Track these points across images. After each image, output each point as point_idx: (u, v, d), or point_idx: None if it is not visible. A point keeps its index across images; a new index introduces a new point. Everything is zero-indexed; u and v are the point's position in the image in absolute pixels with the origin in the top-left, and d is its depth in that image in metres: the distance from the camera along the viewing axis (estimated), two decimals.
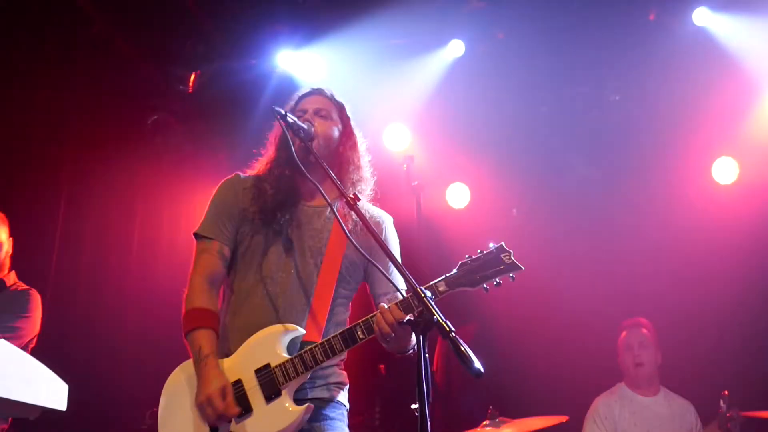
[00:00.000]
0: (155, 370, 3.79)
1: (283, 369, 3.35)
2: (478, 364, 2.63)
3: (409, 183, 5.45)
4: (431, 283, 3.32)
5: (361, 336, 3.33)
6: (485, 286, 3.33)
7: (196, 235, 3.65)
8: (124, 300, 7.10)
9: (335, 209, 3.39)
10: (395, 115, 7.32)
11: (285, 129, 3.42)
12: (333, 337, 3.36)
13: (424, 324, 2.79)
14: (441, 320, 2.75)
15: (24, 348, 4.79)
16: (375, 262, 3.27)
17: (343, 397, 3.60)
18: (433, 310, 2.79)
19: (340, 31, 6.62)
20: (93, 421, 6.22)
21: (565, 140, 7.52)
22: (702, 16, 6.66)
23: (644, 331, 6.11)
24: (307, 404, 3.37)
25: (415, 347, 2.86)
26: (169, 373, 3.54)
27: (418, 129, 7.41)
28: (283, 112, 3.43)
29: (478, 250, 3.37)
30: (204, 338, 3.42)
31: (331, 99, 3.78)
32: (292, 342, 3.43)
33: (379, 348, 3.44)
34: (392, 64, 6.97)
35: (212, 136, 7.49)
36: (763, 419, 5.55)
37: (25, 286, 5.13)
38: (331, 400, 3.53)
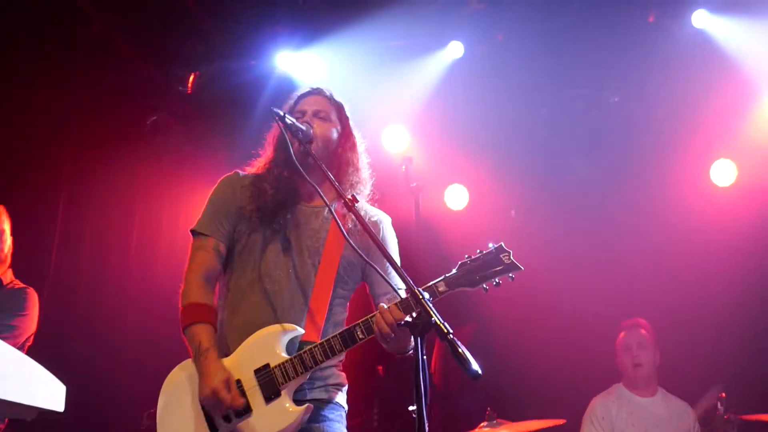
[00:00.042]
0: (154, 370, 3.79)
1: (283, 369, 3.36)
2: (475, 366, 2.63)
3: (408, 184, 5.46)
4: (430, 283, 3.33)
5: (360, 336, 3.33)
6: (485, 286, 3.34)
7: (192, 231, 3.66)
8: (123, 300, 7.10)
9: (333, 210, 3.39)
10: (394, 116, 7.32)
11: (284, 131, 3.42)
12: (332, 337, 3.36)
13: (422, 326, 2.79)
14: (439, 322, 2.75)
15: (21, 347, 4.79)
16: (373, 263, 3.28)
17: (341, 398, 3.61)
18: (431, 312, 2.80)
19: (339, 32, 6.62)
20: (92, 422, 6.21)
21: (564, 142, 7.53)
22: (701, 19, 6.67)
23: (643, 331, 6.11)
24: (306, 404, 3.37)
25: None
26: (168, 372, 3.54)
27: (416, 130, 7.42)
28: (281, 114, 3.43)
29: (478, 251, 3.37)
30: (203, 333, 3.43)
31: (330, 99, 3.78)
32: (291, 342, 3.43)
33: (378, 349, 3.44)
34: (391, 65, 6.98)
35: (211, 136, 7.49)
36: (761, 422, 5.55)
37: (22, 285, 5.12)
38: (329, 401, 3.53)
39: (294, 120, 3.49)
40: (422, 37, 6.98)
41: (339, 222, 3.31)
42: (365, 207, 3.72)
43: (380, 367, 7.07)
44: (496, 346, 7.08)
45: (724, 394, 5.62)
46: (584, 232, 7.38)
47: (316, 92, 3.79)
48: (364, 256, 3.25)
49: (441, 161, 7.45)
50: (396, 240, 3.79)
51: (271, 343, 3.41)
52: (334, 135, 3.70)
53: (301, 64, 6.92)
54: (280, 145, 3.59)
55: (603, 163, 7.56)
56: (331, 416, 3.52)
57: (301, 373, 3.35)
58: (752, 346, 6.76)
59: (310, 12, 6.66)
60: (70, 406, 3.68)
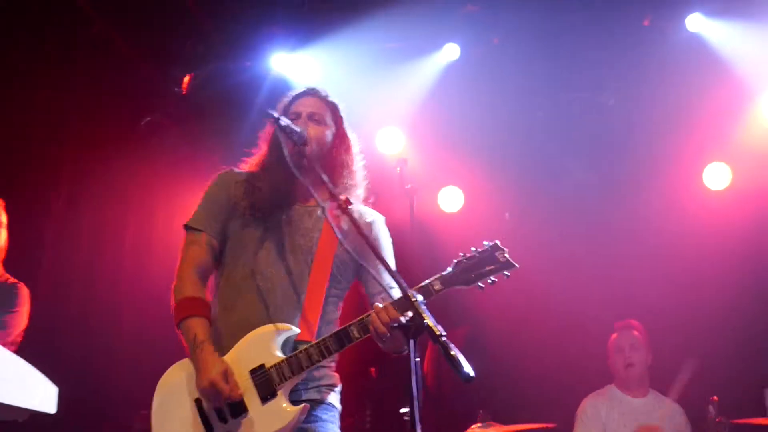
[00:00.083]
0: (149, 369, 3.77)
1: (279, 369, 3.35)
2: (468, 369, 2.63)
3: (403, 186, 5.46)
4: (426, 281, 3.32)
5: (356, 335, 3.33)
6: (480, 284, 3.34)
7: (185, 226, 3.66)
8: (118, 299, 7.10)
9: (326, 210, 3.39)
10: (389, 118, 7.33)
11: (279, 132, 3.42)
12: (328, 336, 3.36)
13: (415, 328, 2.80)
14: (431, 324, 2.75)
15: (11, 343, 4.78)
16: (367, 264, 3.28)
17: (334, 398, 3.60)
18: (424, 314, 2.80)
19: (334, 33, 6.63)
20: (85, 421, 6.21)
21: (559, 144, 7.54)
22: (696, 22, 6.70)
23: (635, 333, 6.13)
24: (303, 404, 3.37)
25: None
26: (163, 371, 3.53)
27: (411, 132, 7.42)
28: (277, 116, 3.43)
29: (473, 249, 3.37)
30: (198, 326, 3.43)
31: (325, 100, 3.77)
32: (285, 341, 3.43)
33: (371, 350, 3.44)
34: (387, 67, 6.98)
35: (207, 137, 7.48)
36: (752, 426, 5.56)
37: (14, 280, 5.10)
38: (323, 402, 3.53)
39: (289, 122, 3.48)
40: (418, 39, 6.99)
41: (332, 222, 3.31)
42: (359, 207, 3.71)
43: (373, 369, 7.07)
44: (488, 348, 7.08)
45: (716, 398, 5.63)
46: (578, 235, 7.39)
47: (312, 93, 3.78)
48: (356, 257, 3.25)
49: (436, 163, 7.45)
50: (390, 240, 3.79)
51: (266, 343, 3.41)
52: (329, 137, 3.70)
53: (296, 66, 6.92)
54: (275, 146, 3.58)
55: (597, 166, 7.57)
56: (324, 417, 3.52)
57: (297, 373, 3.35)
58: (745, 349, 6.77)
59: (305, 13, 6.66)
60: (64, 405, 3.68)
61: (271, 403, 3.34)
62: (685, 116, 7.09)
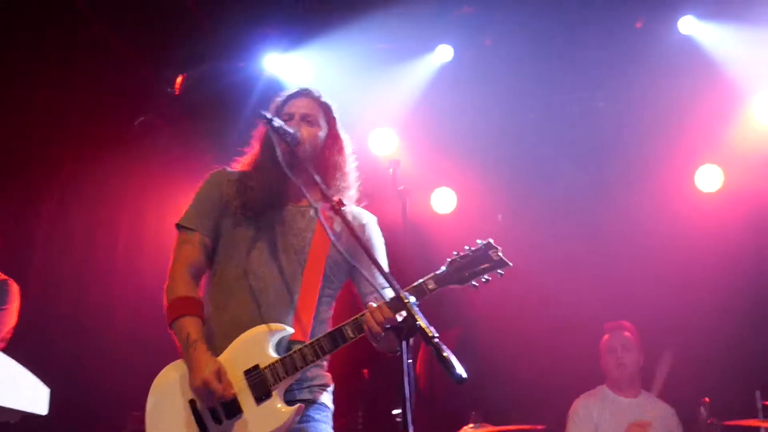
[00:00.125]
0: (141, 369, 3.77)
1: (273, 370, 3.35)
2: (460, 370, 2.63)
3: (395, 187, 5.45)
4: (420, 281, 3.32)
5: (351, 335, 3.32)
6: (474, 283, 3.34)
7: (178, 225, 3.65)
8: (110, 299, 7.10)
9: (319, 211, 3.39)
10: (382, 119, 7.33)
11: (271, 133, 3.42)
12: (322, 336, 3.36)
13: (407, 329, 2.80)
14: (424, 325, 2.75)
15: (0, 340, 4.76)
16: (360, 265, 3.28)
17: (327, 398, 3.60)
18: (416, 316, 2.80)
19: (328, 34, 6.62)
20: (77, 423, 6.20)
21: (552, 146, 7.55)
22: (688, 25, 6.72)
23: (627, 334, 6.15)
24: (298, 404, 3.37)
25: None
26: (156, 372, 3.52)
27: (404, 133, 7.42)
28: (269, 117, 3.42)
29: (466, 247, 3.37)
30: (191, 325, 3.41)
31: (318, 101, 3.76)
32: (279, 342, 3.42)
33: (363, 350, 3.44)
34: (380, 68, 6.98)
35: (199, 137, 7.48)
36: (743, 427, 5.57)
37: (4, 276, 5.09)
38: (315, 402, 3.53)
39: (282, 123, 3.48)
40: (411, 41, 6.99)
41: (324, 223, 3.31)
42: (352, 209, 3.71)
43: (365, 370, 7.07)
44: (481, 350, 7.09)
45: (707, 399, 5.65)
46: (570, 237, 7.40)
47: (305, 94, 3.77)
48: (349, 258, 3.25)
49: (428, 164, 7.45)
50: (382, 240, 3.79)
51: (260, 344, 3.40)
52: (322, 138, 3.70)
53: (289, 67, 6.91)
54: (267, 146, 3.58)
55: (590, 168, 7.59)
56: (317, 417, 3.51)
57: (292, 373, 3.35)
58: (737, 351, 6.79)
59: (298, 14, 6.66)
60: (55, 406, 3.67)
61: (266, 404, 3.34)
62: (677, 118, 7.12)
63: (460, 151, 7.42)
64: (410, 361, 2.78)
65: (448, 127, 7.34)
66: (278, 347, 3.42)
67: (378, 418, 6.64)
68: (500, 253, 3.36)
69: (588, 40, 6.83)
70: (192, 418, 3.38)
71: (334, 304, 3.70)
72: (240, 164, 3.76)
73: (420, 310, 2.85)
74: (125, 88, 6.97)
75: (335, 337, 3.34)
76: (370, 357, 6.55)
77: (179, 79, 7.17)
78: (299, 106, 3.71)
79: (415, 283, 3.32)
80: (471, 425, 5.82)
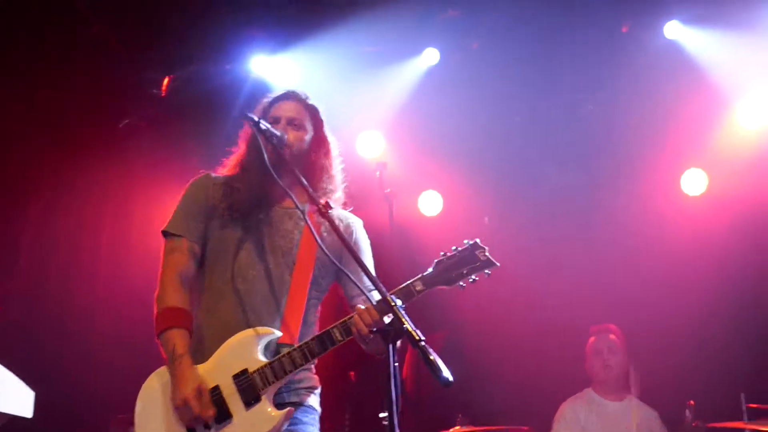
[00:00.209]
0: (126, 372, 3.77)
1: (262, 374, 3.35)
2: (446, 373, 2.64)
3: (382, 190, 5.43)
4: (407, 282, 3.33)
5: (339, 338, 3.32)
6: (461, 283, 3.34)
7: (164, 233, 3.61)
8: (95, 302, 7.06)
9: (306, 214, 3.38)
10: (369, 122, 7.33)
11: (258, 135, 3.41)
12: (311, 339, 3.36)
13: (394, 332, 2.80)
14: (410, 329, 2.75)
15: None
16: (347, 268, 3.28)
17: (315, 401, 3.61)
18: (403, 319, 2.80)
19: (314, 37, 6.62)
20: (62, 426, 6.16)
21: (538, 149, 7.57)
22: (673, 30, 6.77)
23: (612, 336, 6.17)
24: (288, 408, 3.36)
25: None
26: (141, 374, 3.51)
27: (391, 136, 7.43)
28: (256, 119, 3.42)
29: (453, 248, 3.38)
30: (178, 338, 3.39)
31: (305, 104, 3.75)
32: (267, 345, 3.42)
33: (350, 353, 3.44)
34: (367, 71, 6.98)
35: (186, 139, 7.45)
36: (728, 429, 5.59)
37: None
38: (303, 405, 3.53)
39: (269, 125, 3.47)
40: (397, 44, 7.00)
41: (311, 226, 3.31)
42: (338, 211, 3.71)
43: (352, 373, 7.06)
44: (467, 352, 7.09)
45: (692, 402, 5.67)
46: (557, 240, 7.42)
47: (291, 97, 3.76)
48: (336, 262, 3.25)
49: (415, 167, 7.45)
50: (369, 243, 3.79)
51: (248, 348, 3.39)
52: (308, 142, 3.69)
53: (276, 69, 6.90)
54: (253, 147, 3.56)
55: (575, 171, 7.61)
56: (305, 419, 3.52)
57: (281, 377, 3.35)
58: (723, 353, 6.81)
59: (285, 16, 6.65)
60: (40, 409, 3.65)
61: (256, 408, 3.34)
62: (663, 122, 7.15)
63: (447, 153, 7.42)
64: (397, 364, 2.78)
65: (434, 130, 7.35)
66: (266, 351, 3.42)
67: (365, 421, 6.63)
68: (487, 253, 3.37)
69: (574, 44, 6.85)
70: (180, 423, 3.37)
71: (320, 307, 3.69)
72: (225, 167, 3.75)
73: (406, 313, 2.86)
74: (113, 89, 6.94)
75: (323, 340, 3.34)
76: (358, 360, 6.54)
77: (165, 81, 7.14)
78: (286, 109, 3.70)
79: (403, 285, 3.32)
80: (457, 428, 5.82)
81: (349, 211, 3.81)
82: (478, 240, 3.40)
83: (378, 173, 5.59)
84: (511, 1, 6.53)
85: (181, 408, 3.30)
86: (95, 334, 6.94)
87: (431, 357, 2.66)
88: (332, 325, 3.35)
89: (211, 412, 3.31)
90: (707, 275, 6.92)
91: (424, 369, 2.71)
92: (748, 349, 6.79)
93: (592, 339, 6.22)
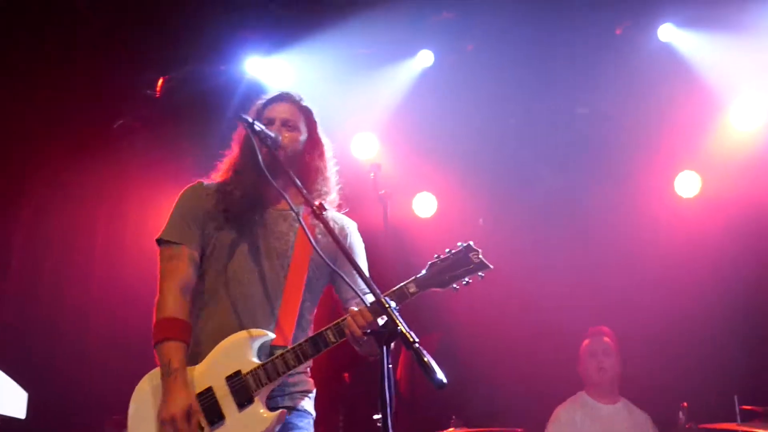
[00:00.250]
0: (119, 373, 3.76)
1: (255, 375, 3.35)
2: (440, 375, 2.64)
3: (376, 191, 5.45)
4: (401, 284, 3.33)
5: (332, 339, 3.33)
6: (455, 285, 3.35)
7: (161, 241, 3.58)
8: (88, 303, 7.05)
9: (300, 216, 3.38)
10: (363, 123, 7.33)
11: (252, 137, 3.40)
12: (304, 341, 3.36)
13: (388, 334, 2.80)
14: (404, 330, 2.75)
15: None
16: (341, 270, 3.28)
17: (309, 405, 3.61)
18: (397, 321, 2.80)
19: (309, 38, 6.62)
20: (55, 427, 6.15)
21: (532, 152, 7.58)
22: (667, 32, 6.78)
23: (606, 339, 6.18)
24: (280, 410, 3.36)
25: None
26: (134, 375, 3.50)
27: (385, 138, 7.43)
28: (250, 120, 3.41)
29: (447, 250, 3.39)
30: (174, 352, 3.36)
31: (298, 105, 3.75)
32: (261, 347, 3.42)
33: (344, 355, 3.44)
34: (361, 72, 6.99)
35: (180, 140, 7.44)
36: (721, 431, 5.60)
37: None
38: (298, 408, 3.53)
39: (263, 127, 3.47)
40: (392, 45, 7.00)
41: (306, 228, 3.30)
42: (332, 214, 3.71)
43: (346, 375, 7.06)
44: (461, 354, 7.10)
45: (685, 404, 5.68)
46: (551, 242, 7.43)
47: (285, 98, 3.75)
48: (330, 264, 3.24)
49: (410, 169, 7.46)
50: (363, 246, 3.79)
51: (242, 350, 3.39)
52: (302, 143, 3.69)
53: (270, 70, 6.90)
54: (247, 149, 3.56)
55: (570, 174, 7.62)
56: (300, 424, 3.52)
57: (274, 378, 3.35)
58: (717, 355, 6.82)
59: (280, 18, 6.65)
60: (33, 410, 3.64)
61: (248, 410, 3.33)
62: (657, 125, 7.17)
63: (441, 155, 7.43)
64: (391, 365, 2.78)
65: (429, 132, 7.36)
66: (260, 353, 3.42)
67: (359, 422, 6.63)
68: (480, 256, 3.38)
69: (568, 47, 6.87)
70: None
71: (315, 310, 3.69)
72: (218, 172, 3.74)
73: (400, 314, 2.85)
74: (108, 89, 6.93)
75: (317, 342, 3.34)
76: (351, 361, 6.54)
77: (160, 82, 7.14)
78: (280, 111, 3.70)
79: (396, 287, 3.33)
80: (451, 429, 5.83)
81: (344, 213, 3.81)
82: (471, 242, 3.41)
83: (372, 175, 5.61)
84: (506, 4, 6.54)
85: (166, 423, 3.26)
86: (89, 335, 6.93)
87: (425, 359, 2.66)
88: (326, 327, 3.35)
89: None
90: (701, 277, 6.94)
91: (417, 370, 2.71)
92: (741, 351, 6.80)
93: (586, 342, 6.22)
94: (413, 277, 3.35)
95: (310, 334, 3.47)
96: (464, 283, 3.35)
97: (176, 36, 6.76)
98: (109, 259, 7.22)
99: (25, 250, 6.77)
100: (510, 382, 7.03)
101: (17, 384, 3.64)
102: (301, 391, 3.55)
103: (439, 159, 7.46)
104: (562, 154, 7.57)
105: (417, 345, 2.70)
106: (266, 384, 3.34)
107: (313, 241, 3.25)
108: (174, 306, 3.44)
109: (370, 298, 3.23)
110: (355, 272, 3.13)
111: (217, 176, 3.73)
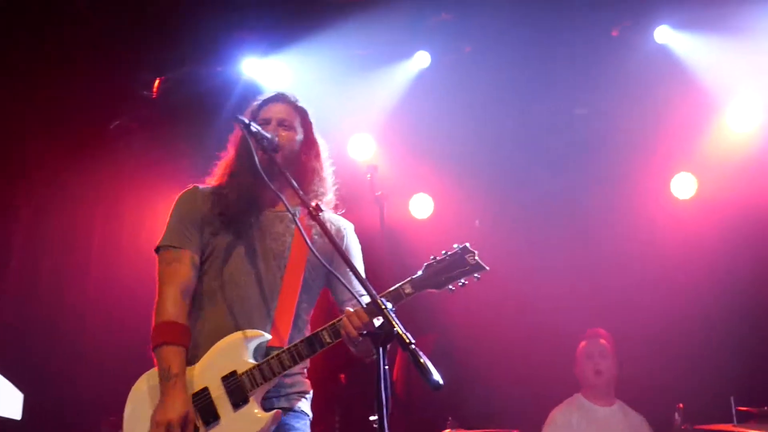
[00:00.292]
0: (116, 375, 3.75)
1: (251, 376, 3.35)
2: (437, 376, 2.64)
3: (373, 193, 5.45)
4: (397, 285, 3.34)
5: (328, 340, 3.33)
6: (450, 287, 3.35)
7: (161, 247, 3.57)
8: (86, 304, 7.04)
9: (296, 217, 3.37)
10: (360, 124, 7.33)
11: (248, 138, 3.40)
12: (299, 342, 3.36)
13: (384, 335, 2.80)
14: (401, 332, 2.76)
15: None
16: (337, 271, 3.28)
17: (306, 406, 3.61)
18: (393, 322, 2.80)
19: (306, 39, 6.62)
20: (51, 428, 6.14)
21: (529, 153, 7.59)
22: (663, 34, 6.80)
23: (603, 341, 6.18)
24: (275, 410, 3.37)
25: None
26: (131, 376, 3.51)
27: (382, 139, 7.43)
28: (246, 121, 3.41)
29: (443, 251, 3.40)
30: (174, 356, 3.36)
31: (294, 106, 3.75)
32: (257, 348, 3.43)
33: (341, 355, 3.44)
34: (358, 74, 6.99)
35: (177, 141, 7.44)
36: None
37: None
38: (295, 409, 3.53)
39: (259, 128, 3.47)
40: (389, 46, 7.00)
41: (302, 229, 3.30)
42: (329, 215, 3.71)
43: (342, 375, 7.06)
44: (457, 355, 7.10)
45: (681, 405, 5.69)
46: (547, 243, 7.43)
47: (281, 99, 3.75)
48: (327, 265, 3.24)
49: (406, 170, 7.46)
50: (359, 247, 3.80)
51: (238, 350, 3.40)
52: (299, 144, 3.69)
53: (267, 71, 6.90)
54: (244, 152, 3.54)
55: (566, 175, 7.62)
56: (296, 424, 3.52)
57: (269, 379, 3.35)
58: (713, 356, 6.83)
59: (277, 19, 6.65)
60: (29, 411, 3.64)
61: (243, 410, 3.34)
62: (652, 127, 7.18)
63: (438, 156, 7.43)
64: (387, 366, 2.79)
65: (426, 133, 7.36)
66: (256, 353, 3.42)
67: (355, 423, 6.63)
68: (477, 257, 3.38)
69: (565, 48, 6.87)
70: None
71: (311, 311, 3.69)
72: (213, 176, 3.74)
73: (396, 315, 2.86)
74: (106, 90, 6.93)
75: (312, 342, 3.35)
76: (347, 362, 6.53)
77: (157, 82, 7.14)
78: (276, 111, 3.70)
79: (392, 288, 3.33)
80: (448, 430, 5.83)
81: (340, 214, 3.81)
82: (467, 244, 3.41)
83: (369, 176, 5.60)
84: (503, 5, 6.54)
85: (161, 427, 3.25)
86: (86, 336, 6.92)
87: (421, 360, 2.66)
88: (321, 328, 3.35)
89: None
90: (697, 278, 6.95)
91: (414, 371, 2.72)
92: (737, 352, 6.80)
93: (583, 343, 6.22)
94: (409, 278, 3.36)
95: (307, 335, 3.47)
96: (460, 284, 3.36)
97: (173, 37, 6.76)
98: (106, 259, 7.22)
99: (23, 251, 6.77)
100: (506, 384, 7.04)
101: (13, 385, 3.64)
102: (298, 392, 3.55)
103: (435, 160, 7.46)
104: (559, 156, 7.58)
105: (413, 346, 2.71)
106: (261, 384, 3.34)
107: (309, 242, 3.25)
108: (174, 310, 3.44)
109: (366, 300, 3.23)
110: (351, 273, 3.13)
111: (212, 180, 3.72)
